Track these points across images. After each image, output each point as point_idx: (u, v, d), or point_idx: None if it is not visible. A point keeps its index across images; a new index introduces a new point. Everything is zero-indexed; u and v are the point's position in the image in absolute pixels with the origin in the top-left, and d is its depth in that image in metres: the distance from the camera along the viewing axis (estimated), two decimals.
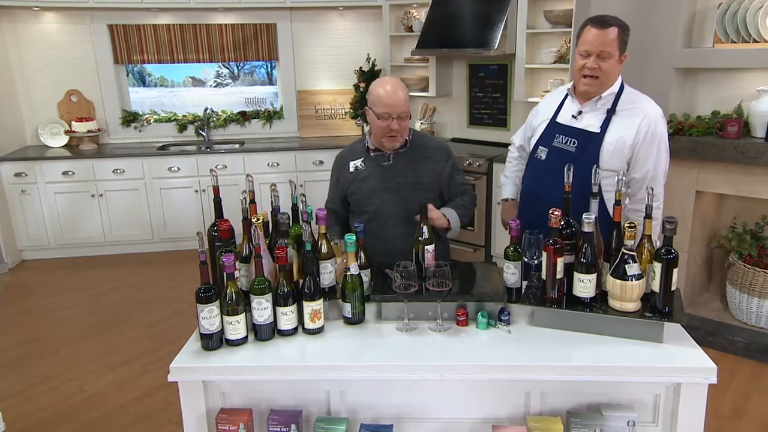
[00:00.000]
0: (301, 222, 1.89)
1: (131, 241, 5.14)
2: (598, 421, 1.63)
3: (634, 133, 2.20)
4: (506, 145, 3.09)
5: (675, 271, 1.67)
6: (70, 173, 4.89)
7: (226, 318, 1.73)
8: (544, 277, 1.82)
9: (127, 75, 5.57)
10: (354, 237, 1.85)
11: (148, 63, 5.51)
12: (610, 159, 2.20)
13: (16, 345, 3.61)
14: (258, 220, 1.82)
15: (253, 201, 1.91)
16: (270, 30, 5.47)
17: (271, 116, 5.69)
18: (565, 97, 2.38)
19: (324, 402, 1.76)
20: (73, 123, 5.18)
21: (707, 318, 3.54)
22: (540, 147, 2.38)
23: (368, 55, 5.38)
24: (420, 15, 5.10)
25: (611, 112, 2.25)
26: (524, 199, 2.51)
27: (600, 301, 1.78)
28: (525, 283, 1.97)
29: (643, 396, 1.69)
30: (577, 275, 1.76)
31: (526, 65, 4.40)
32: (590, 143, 2.24)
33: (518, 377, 1.66)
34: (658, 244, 1.70)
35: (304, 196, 1.90)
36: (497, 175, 4.32)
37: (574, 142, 2.27)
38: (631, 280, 1.67)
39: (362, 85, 5.36)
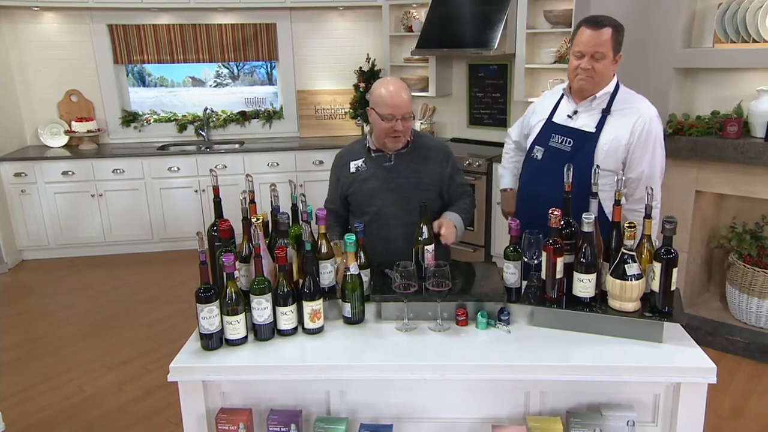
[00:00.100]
0: (300, 222, 1.89)
1: (131, 241, 5.14)
2: (597, 420, 1.63)
3: (629, 133, 2.20)
4: None
5: (675, 270, 1.67)
6: (70, 173, 4.89)
7: (226, 318, 1.73)
8: (543, 276, 1.82)
9: (127, 75, 5.57)
10: (354, 237, 1.85)
11: (148, 63, 5.51)
12: (605, 159, 2.20)
13: (16, 345, 3.61)
14: (258, 220, 1.83)
15: (252, 201, 1.91)
16: (270, 30, 5.47)
17: (270, 116, 5.69)
18: (561, 97, 2.39)
19: (324, 402, 1.76)
20: (73, 123, 5.18)
21: (707, 318, 3.54)
22: (536, 146, 2.39)
23: (368, 55, 5.38)
24: (420, 15, 5.10)
25: (606, 112, 2.25)
26: (521, 199, 2.51)
27: (600, 301, 1.78)
28: (525, 283, 1.97)
29: (642, 396, 1.69)
30: (576, 275, 1.76)
31: (526, 65, 4.40)
32: (585, 143, 2.24)
33: (518, 377, 1.66)
34: (657, 243, 1.70)
35: (304, 196, 1.90)
36: (497, 176, 4.32)
37: (570, 141, 2.28)
38: (631, 279, 1.67)
39: (362, 85, 5.36)
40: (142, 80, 5.93)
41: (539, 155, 2.37)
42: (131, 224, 5.08)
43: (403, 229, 2.28)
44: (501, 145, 4.80)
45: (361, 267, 1.90)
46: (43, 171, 4.85)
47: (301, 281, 1.83)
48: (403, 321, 1.86)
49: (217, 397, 1.75)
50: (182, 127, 5.56)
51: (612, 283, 1.71)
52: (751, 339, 3.31)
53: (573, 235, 1.82)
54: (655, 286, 1.69)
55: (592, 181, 1.83)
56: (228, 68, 6.09)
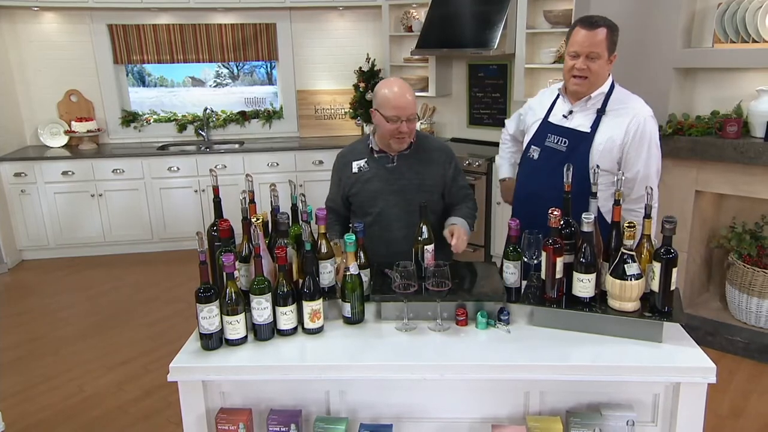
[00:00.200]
0: (300, 222, 1.89)
1: (131, 241, 5.14)
2: (597, 420, 1.63)
3: (623, 133, 2.20)
4: None
5: (674, 270, 1.67)
6: (70, 173, 4.89)
7: (226, 318, 1.73)
8: (543, 276, 1.82)
9: (127, 75, 5.57)
10: (353, 237, 1.85)
11: (148, 63, 5.51)
12: (600, 159, 2.20)
13: (16, 345, 3.61)
14: (257, 220, 1.83)
15: (252, 201, 1.91)
16: (270, 30, 5.47)
17: (270, 116, 5.69)
18: (557, 97, 2.39)
19: (323, 402, 1.76)
20: (73, 123, 5.18)
21: (706, 318, 3.54)
22: (532, 146, 2.40)
23: (368, 55, 5.38)
24: (420, 15, 5.10)
25: (601, 112, 2.25)
26: (519, 199, 2.52)
27: (599, 300, 1.78)
28: (524, 282, 1.97)
29: (642, 395, 1.69)
30: (576, 275, 1.76)
31: (526, 65, 4.40)
32: (581, 143, 2.25)
33: (518, 377, 1.66)
34: (656, 243, 1.70)
35: (304, 196, 1.90)
36: (497, 175, 4.32)
37: (565, 141, 2.28)
38: (631, 279, 1.67)
39: (362, 85, 5.36)
40: (142, 80, 5.93)
41: (536, 155, 2.38)
42: (131, 224, 5.08)
43: (406, 231, 2.27)
44: None
45: (360, 267, 1.90)
46: (43, 171, 4.85)
47: (300, 281, 1.83)
48: (403, 321, 1.86)
49: (217, 397, 1.75)
50: (182, 127, 5.56)
51: (612, 283, 1.71)
52: (751, 339, 3.31)
53: (573, 234, 1.83)
54: (655, 286, 1.69)
55: (592, 181, 1.84)
56: (228, 68, 6.09)
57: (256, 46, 5.49)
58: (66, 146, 5.26)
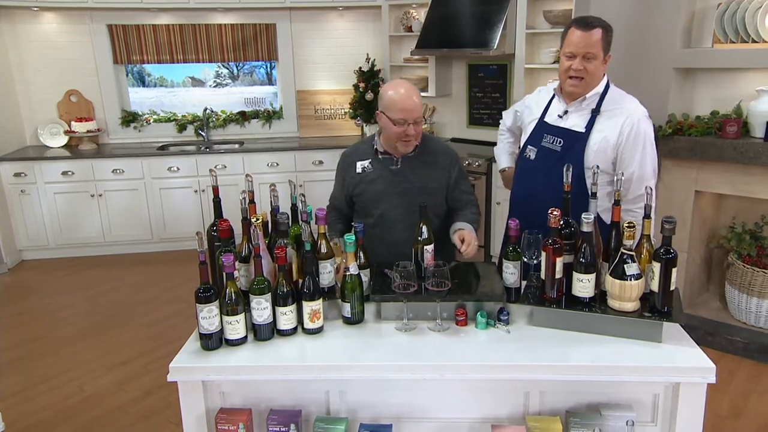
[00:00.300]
0: (300, 222, 1.89)
1: (130, 241, 5.14)
2: (597, 420, 1.63)
3: (617, 133, 2.20)
4: None
5: (674, 270, 1.67)
6: (70, 173, 4.89)
7: (226, 318, 1.73)
8: (543, 276, 1.82)
9: (127, 75, 5.57)
10: (353, 237, 1.85)
11: (148, 63, 5.51)
12: (595, 159, 2.20)
13: (16, 345, 3.61)
14: (257, 220, 1.83)
15: (252, 201, 1.91)
16: (269, 30, 5.47)
17: (270, 116, 5.69)
18: (553, 97, 2.39)
19: (323, 402, 1.76)
20: (73, 123, 5.19)
21: (706, 318, 3.54)
22: (529, 146, 2.40)
23: (368, 55, 5.38)
24: (419, 15, 5.10)
25: (596, 112, 2.25)
26: (516, 199, 2.52)
27: (599, 300, 1.78)
28: (524, 283, 1.97)
29: (642, 396, 1.69)
30: (576, 275, 1.76)
31: (526, 65, 4.40)
32: (575, 143, 2.25)
33: (517, 377, 1.66)
34: (656, 243, 1.71)
35: (304, 196, 1.90)
36: (497, 175, 4.32)
37: (560, 141, 2.29)
38: (630, 279, 1.67)
39: (362, 85, 5.36)
40: (141, 80, 5.93)
41: (532, 155, 2.38)
42: (131, 224, 5.08)
43: (408, 233, 2.24)
44: None
45: (360, 267, 1.90)
46: (43, 171, 4.85)
47: (300, 281, 1.83)
48: (403, 321, 1.86)
49: (217, 397, 1.75)
50: (182, 127, 5.56)
51: (611, 283, 1.71)
52: (751, 339, 3.31)
53: (572, 235, 1.83)
54: (655, 286, 1.69)
55: (592, 181, 1.84)
56: (228, 68, 6.09)
57: (255, 46, 5.49)
58: (66, 146, 5.26)
